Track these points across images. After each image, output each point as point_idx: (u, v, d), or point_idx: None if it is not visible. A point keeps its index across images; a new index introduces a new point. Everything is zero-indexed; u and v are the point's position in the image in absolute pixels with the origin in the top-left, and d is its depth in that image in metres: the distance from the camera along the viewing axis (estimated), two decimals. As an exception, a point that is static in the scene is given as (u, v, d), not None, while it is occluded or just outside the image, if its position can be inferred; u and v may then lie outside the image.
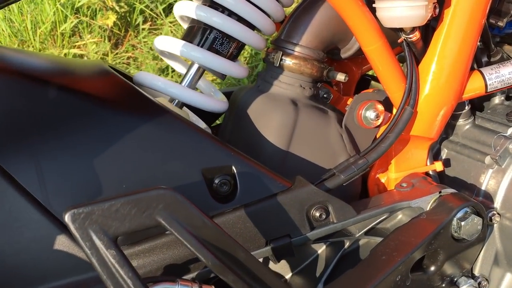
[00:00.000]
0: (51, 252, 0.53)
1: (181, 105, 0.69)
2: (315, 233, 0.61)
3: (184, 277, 0.54)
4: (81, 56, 2.06)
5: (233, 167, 0.59)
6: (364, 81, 0.95)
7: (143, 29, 2.14)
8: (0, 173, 0.51)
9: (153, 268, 0.54)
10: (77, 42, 2.10)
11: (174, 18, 2.26)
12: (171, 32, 2.11)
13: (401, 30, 0.64)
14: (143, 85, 0.67)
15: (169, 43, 0.68)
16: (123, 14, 2.12)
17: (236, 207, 0.58)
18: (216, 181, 0.58)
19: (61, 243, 0.53)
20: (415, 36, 0.64)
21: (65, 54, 2.03)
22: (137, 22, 2.14)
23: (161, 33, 2.14)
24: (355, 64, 0.89)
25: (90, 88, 0.59)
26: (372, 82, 0.95)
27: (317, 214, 0.61)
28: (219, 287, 0.52)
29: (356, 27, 0.62)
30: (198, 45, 0.67)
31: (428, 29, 0.67)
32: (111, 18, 2.04)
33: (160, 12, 2.17)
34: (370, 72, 0.98)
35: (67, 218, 0.44)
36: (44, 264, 0.53)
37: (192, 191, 0.57)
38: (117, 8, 2.08)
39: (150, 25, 2.17)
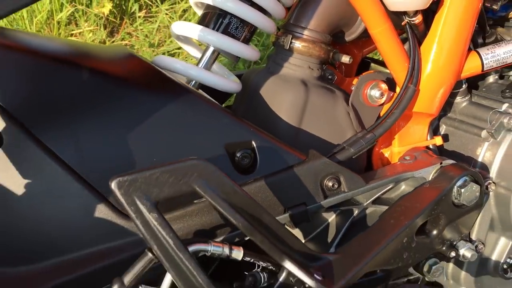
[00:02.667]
0: (88, 220, 0.57)
1: (198, 86, 0.73)
2: (328, 201, 0.67)
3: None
4: (78, 44, 2.08)
5: (253, 142, 0.64)
6: (364, 64, 1.00)
7: (139, 16, 2.17)
8: (43, 149, 0.56)
9: (184, 233, 0.59)
10: (74, 30, 2.12)
11: (169, 5, 2.29)
12: (167, 20, 2.14)
13: (404, 13, 0.69)
14: (162, 67, 0.71)
15: (186, 28, 0.72)
16: (118, 2, 2.14)
17: (257, 178, 0.63)
18: (238, 154, 0.63)
19: (98, 211, 0.57)
20: (418, 19, 0.69)
21: (61, 43, 2.04)
22: (132, 10, 2.16)
23: (156, 21, 2.17)
24: (357, 47, 0.94)
25: (121, 71, 0.63)
26: (372, 64, 1.01)
27: (330, 184, 0.66)
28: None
29: (364, 11, 0.67)
30: (213, 29, 0.71)
31: (428, 13, 0.72)
32: (107, 6, 2.06)
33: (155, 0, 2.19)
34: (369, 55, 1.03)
35: (113, 185, 0.49)
36: (80, 231, 0.58)
37: (217, 164, 0.62)
38: (112, -4, 2.10)
39: (146, 13, 2.20)
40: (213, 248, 0.54)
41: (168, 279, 0.52)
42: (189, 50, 0.80)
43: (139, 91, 0.61)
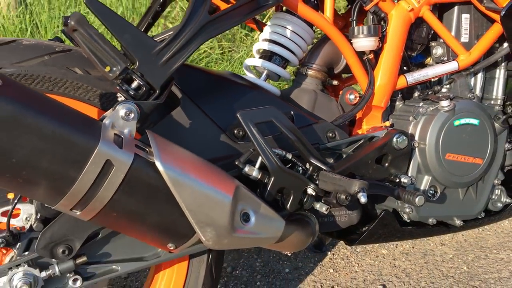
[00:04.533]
0: (217, 143, 1.20)
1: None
2: (330, 144, 1.30)
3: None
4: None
5: (292, 112, 1.28)
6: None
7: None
8: (200, 111, 1.19)
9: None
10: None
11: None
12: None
13: (363, 52, 1.37)
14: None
15: (255, 61, 1.39)
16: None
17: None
18: (285, 117, 1.27)
19: (222, 138, 1.20)
20: (371, 55, 1.38)
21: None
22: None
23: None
24: (342, 82, 1.62)
25: (232, 79, 1.29)
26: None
27: (330, 134, 1.30)
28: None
29: (344, 51, 1.35)
30: (269, 61, 1.38)
31: (377, 51, 1.40)
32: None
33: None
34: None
35: (239, 115, 1.12)
36: (214, 148, 1.19)
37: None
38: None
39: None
40: (279, 151, 1.16)
41: (259, 160, 1.14)
42: (247, 73, 1.46)
43: (243, 88, 1.27)
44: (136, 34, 1.00)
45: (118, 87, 0.99)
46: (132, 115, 0.94)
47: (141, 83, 1.00)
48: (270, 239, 1.10)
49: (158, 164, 0.93)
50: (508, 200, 1.55)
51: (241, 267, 1.94)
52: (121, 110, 0.94)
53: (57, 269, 1.04)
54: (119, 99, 1.00)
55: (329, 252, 2.03)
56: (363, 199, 1.07)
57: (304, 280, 1.87)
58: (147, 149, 0.97)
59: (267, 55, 1.40)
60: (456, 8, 1.48)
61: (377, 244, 2.07)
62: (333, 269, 1.93)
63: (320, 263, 1.97)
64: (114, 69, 0.98)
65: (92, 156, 0.88)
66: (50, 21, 3.11)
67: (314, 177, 1.18)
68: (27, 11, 3.24)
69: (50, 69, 1.10)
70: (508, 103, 1.59)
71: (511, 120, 1.61)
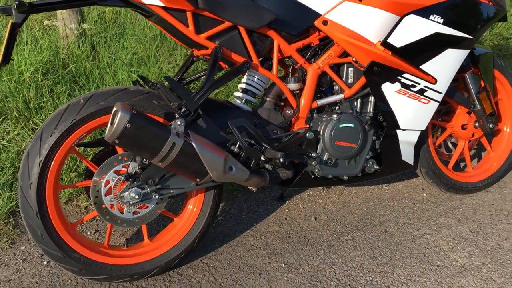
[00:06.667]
0: (217, 135, 2.53)
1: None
2: (275, 136, 2.63)
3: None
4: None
5: (255, 120, 2.60)
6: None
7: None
8: (212, 121, 2.52)
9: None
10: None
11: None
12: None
13: (294, 90, 2.70)
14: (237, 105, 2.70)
15: (239, 94, 2.72)
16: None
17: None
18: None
19: (220, 133, 2.53)
20: (298, 91, 2.70)
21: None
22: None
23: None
24: (286, 102, 2.95)
25: (229, 105, 2.63)
26: (294, 107, 3.01)
27: (275, 131, 2.63)
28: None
29: (284, 90, 2.68)
30: (246, 94, 2.72)
31: (301, 89, 2.72)
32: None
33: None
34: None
35: (229, 123, 2.45)
36: (215, 138, 2.53)
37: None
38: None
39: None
40: (247, 139, 2.50)
41: (238, 144, 2.47)
42: (236, 99, 2.79)
43: (231, 109, 2.60)
44: (183, 89, 2.35)
45: (176, 111, 2.33)
46: (183, 124, 2.29)
47: (186, 110, 2.34)
48: (242, 179, 2.44)
49: (194, 144, 2.28)
50: (377, 167, 2.87)
51: (233, 208, 3.29)
52: (178, 122, 2.28)
53: (148, 190, 2.39)
54: (176, 116, 2.35)
55: (287, 201, 3.38)
56: (281, 159, 2.42)
57: (270, 215, 3.22)
58: (189, 137, 2.31)
59: (245, 90, 2.73)
60: (346, 64, 2.80)
61: (317, 196, 3.42)
62: (288, 210, 3.28)
63: (281, 206, 3.32)
64: (175, 104, 2.32)
65: (168, 140, 2.22)
66: (107, 48, 4.44)
67: (264, 152, 2.52)
68: (86, 38, 4.58)
69: (143, 102, 2.45)
70: (379, 114, 2.92)
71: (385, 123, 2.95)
